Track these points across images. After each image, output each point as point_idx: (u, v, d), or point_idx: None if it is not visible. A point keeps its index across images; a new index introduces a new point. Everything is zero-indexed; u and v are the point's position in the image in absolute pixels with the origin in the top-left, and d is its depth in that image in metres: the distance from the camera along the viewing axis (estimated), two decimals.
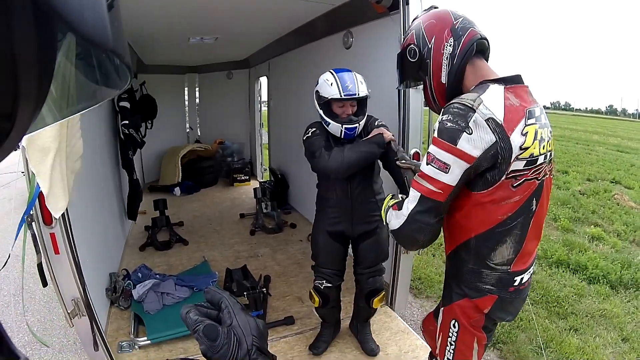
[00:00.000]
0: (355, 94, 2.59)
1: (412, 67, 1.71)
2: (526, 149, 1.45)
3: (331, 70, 2.69)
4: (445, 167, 1.46)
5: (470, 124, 1.41)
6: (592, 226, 7.10)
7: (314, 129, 2.73)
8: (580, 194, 9.34)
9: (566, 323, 4.07)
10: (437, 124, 1.51)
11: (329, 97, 2.61)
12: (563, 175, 11.48)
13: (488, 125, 1.41)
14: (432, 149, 1.49)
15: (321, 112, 2.68)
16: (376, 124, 2.77)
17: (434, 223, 1.56)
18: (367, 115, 2.73)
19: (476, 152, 1.42)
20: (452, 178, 1.46)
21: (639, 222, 7.36)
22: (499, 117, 1.42)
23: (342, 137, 2.67)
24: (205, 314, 0.88)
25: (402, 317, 3.52)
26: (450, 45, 1.60)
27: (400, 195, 1.87)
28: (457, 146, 1.43)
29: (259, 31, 5.33)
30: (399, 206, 1.65)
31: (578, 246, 6.01)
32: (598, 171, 12.24)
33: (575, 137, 24.05)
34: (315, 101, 2.71)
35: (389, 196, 1.86)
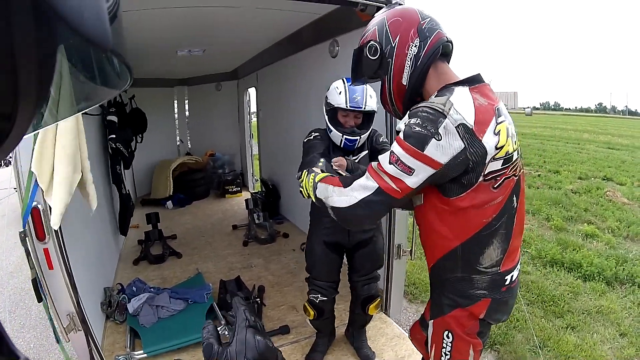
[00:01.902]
0: (361, 107, 2.58)
1: (371, 65, 1.62)
2: (501, 147, 1.42)
3: (344, 79, 2.66)
4: (409, 171, 1.40)
5: (440, 130, 1.35)
6: (586, 224, 7.14)
7: (317, 134, 2.71)
8: (573, 193, 9.39)
9: (563, 321, 4.07)
10: (402, 126, 1.45)
11: (335, 105, 2.60)
12: (554, 175, 11.56)
13: (458, 132, 1.35)
14: (397, 150, 1.42)
15: (326, 117, 2.68)
16: (381, 140, 2.80)
17: (384, 212, 1.55)
18: (372, 129, 2.73)
19: (444, 159, 1.36)
20: (415, 181, 1.41)
21: (632, 218, 7.41)
22: (470, 120, 1.37)
23: (342, 146, 2.66)
24: (229, 322, 0.92)
25: (397, 323, 3.51)
26: (415, 46, 1.53)
27: (320, 169, 1.87)
28: (425, 152, 1.37)
29: (246, 42, 5.36)
30: (343, 182, 1.58)
31: (572, 245, 6.02)
32: (589, 169, 12.32)
33: (565, 137, 24.20)
34: (324, 106, 2.71)
35: (308, 173, 1.83)
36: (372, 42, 1.59)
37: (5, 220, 7.84)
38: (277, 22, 4.29)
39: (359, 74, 1.73)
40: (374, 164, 1.51)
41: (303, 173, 1.88)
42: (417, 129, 1.38)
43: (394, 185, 1.43)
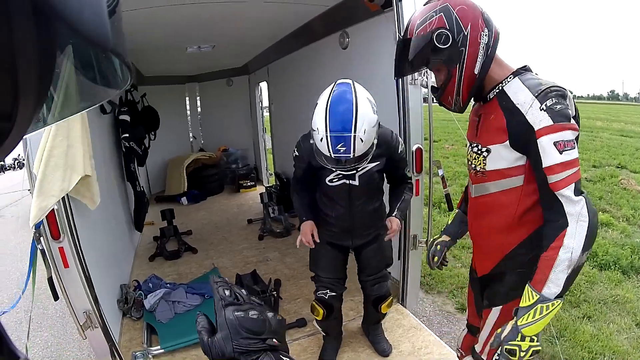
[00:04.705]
0: (349, 156, 2.16)
1: (438, 54, 1.56)
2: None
3: (328, 104, 2.16)
4: (573, 144, 1.46)
5: (568, 102, 1.48)
6: (600, 212, 7.04)
7: (297, 154, 2.59)
8: (587, 181, 9.26)
9: (579, 311, 4.05)
10: (538, 113, 1.46)
11: (320, 152, 2.23)
12: None
13: (573, 101, 1.53)
14: (555, 136, 1.44)
15: (315, 145, 2.28)
16: (400, 150, 2.53)
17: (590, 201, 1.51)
18: (382, 130, 2.41)
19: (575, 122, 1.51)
20: (576, 150, 1.48)
21: None
22: None
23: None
24: (230, 303, 0.92)
25: (414, 314, 3.51)
26: (485, 35, 1.54)
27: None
28: (572, 122, 1.48)
29: (256, 37, 5.37)
30: (558, 229, 1.48)
31: None
32: (603, 157, 12.12)
33: None
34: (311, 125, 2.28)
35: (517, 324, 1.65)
36: (442, 30, 1.53)
37: (19, 222, 7.93)
38: (285, 15, 4.29)
39: (417, 64, 1.69)
40: (552, 185, 1.47)
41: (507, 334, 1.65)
42: (559, 106, 1.46)
43: (575, 170, 1.46)
